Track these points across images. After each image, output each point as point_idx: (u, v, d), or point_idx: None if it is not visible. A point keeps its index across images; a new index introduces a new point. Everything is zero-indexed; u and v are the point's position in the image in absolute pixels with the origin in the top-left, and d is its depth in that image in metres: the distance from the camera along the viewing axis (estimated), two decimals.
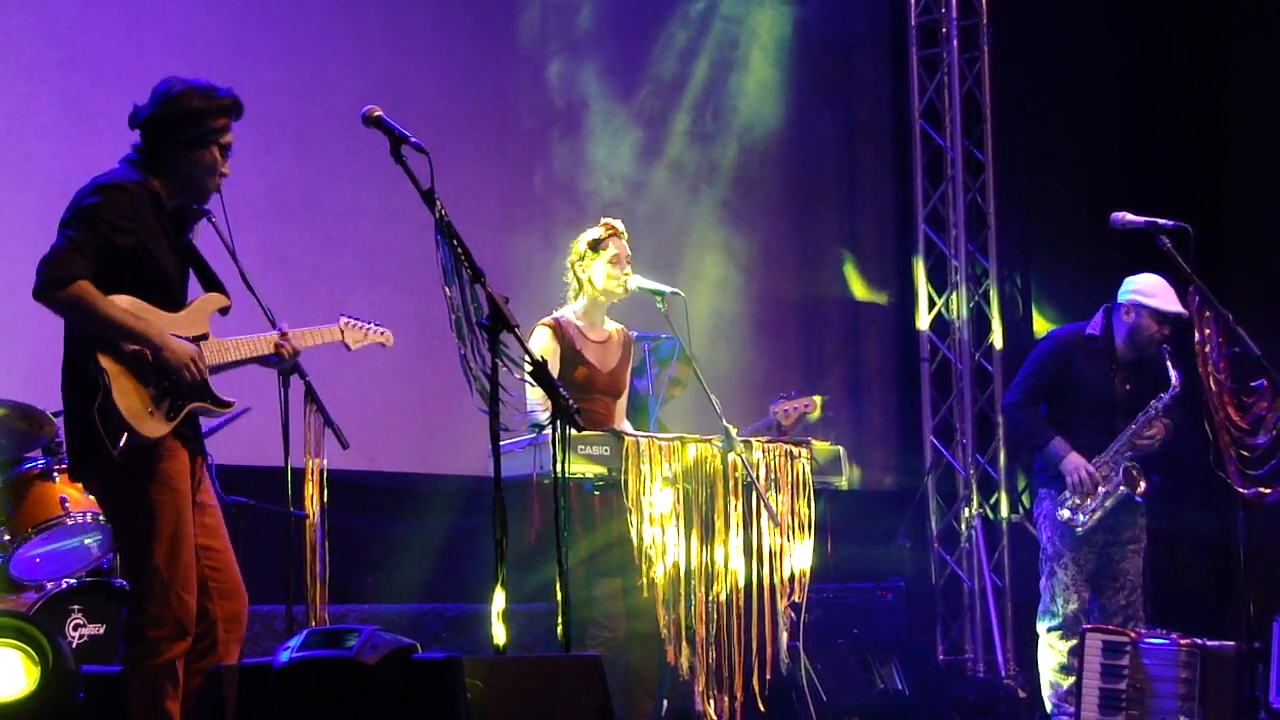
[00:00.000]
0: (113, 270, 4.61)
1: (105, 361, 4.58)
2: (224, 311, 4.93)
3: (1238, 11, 10.96)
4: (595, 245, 6.08)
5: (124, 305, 4.61)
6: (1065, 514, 6.88)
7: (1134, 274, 7.06)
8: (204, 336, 4.83)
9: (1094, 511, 6.85)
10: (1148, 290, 6.90)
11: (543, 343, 5.98)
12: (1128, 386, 7.01)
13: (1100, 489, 6.85)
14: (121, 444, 4.56)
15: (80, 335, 4.65)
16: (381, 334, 5.48)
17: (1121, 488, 6.84)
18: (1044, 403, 7.16)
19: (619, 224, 6.13)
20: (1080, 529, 6.86)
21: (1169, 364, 6.83)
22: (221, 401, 4.86)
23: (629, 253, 6.10)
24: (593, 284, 6.07)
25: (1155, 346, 6.89)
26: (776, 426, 7.05)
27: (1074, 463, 6.88)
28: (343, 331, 5.33)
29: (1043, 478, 7.04)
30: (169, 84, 4.78)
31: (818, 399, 7.22)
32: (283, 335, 5.01)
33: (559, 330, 6.04)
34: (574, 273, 6.13)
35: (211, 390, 4.82)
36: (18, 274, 7.09)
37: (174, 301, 4.78)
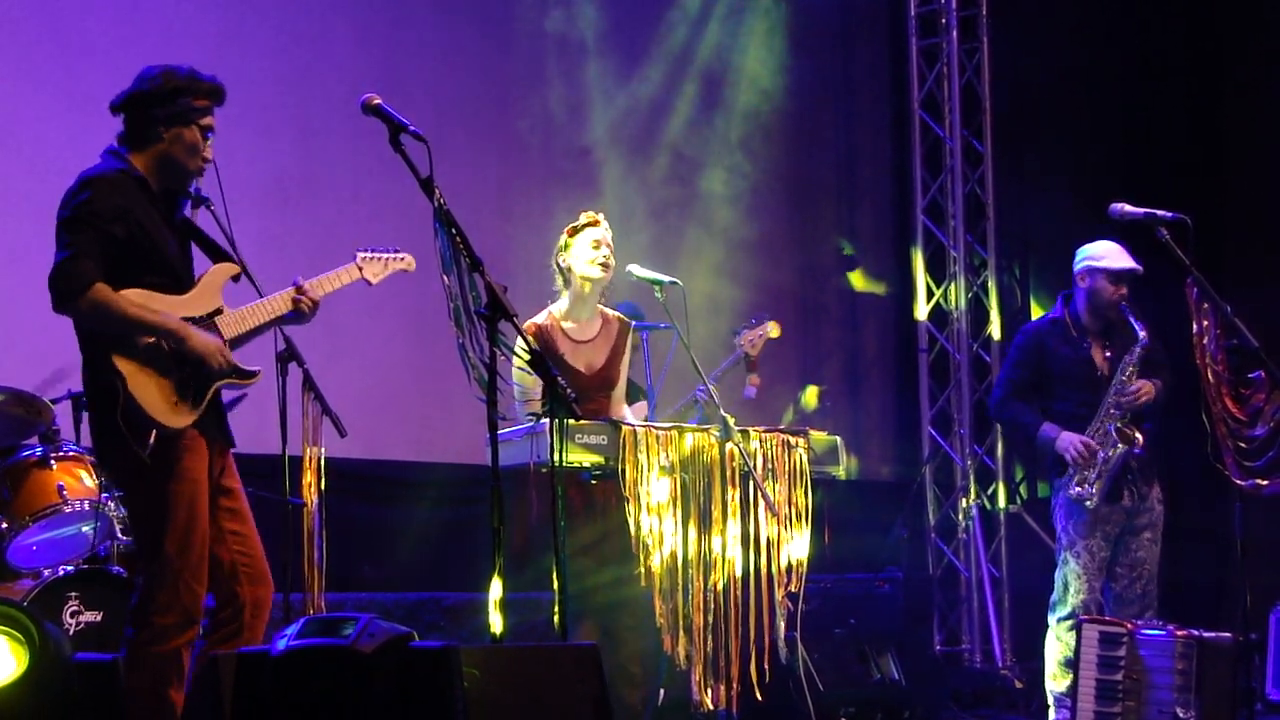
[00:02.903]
0: (116, 261, 4.61)
1: (120, 362, 4.57)
2: (236, 279, 4.91)
3: (1236, 3, 10.95)
4: (574, 231, 6.07)
5: (137, 300, 4.61)
6: (1075, 491, 6.88)
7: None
8: (219, 311, 4.81)
9: (1098, 480, 6.84)
10: (1098, 254, 6.99)
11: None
12: (1108, 354, 7.04)
13: (1099, 455, 6.86)
14: (152, 442, 4.56)
15: (92, 337, 4.64)
16: (402, 259, 5.26)
17: (1119, 446, 6.84)
18: (1034, 396, 7.17)
19: (599, 215, 6.12)
20: (1091, 502, 6.84)
21: (1131, 319, 6.88)
22: (245, 372, 4.83)
23: (610, 240, 6.09)
24: (574, 272, 6.05)
25: (1114, 309, 6.95)
26: (745, 358, 7.02)
27: (1067, 439, 6.90)
28: (360, 268, 5.15)
29: (1057, 469, 7.03)
30: (150, 68, 4.82)
31: (775, 323, 7.20)
32: (298, 289, 4.96)
33: (541, 337, 5.99)
34: (557, 264, 6.12)
35: (235, 363, 4.80)
36: (14, 260, 7.13)
37: (180, 282, 4.77)
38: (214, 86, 4.84)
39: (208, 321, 4.77)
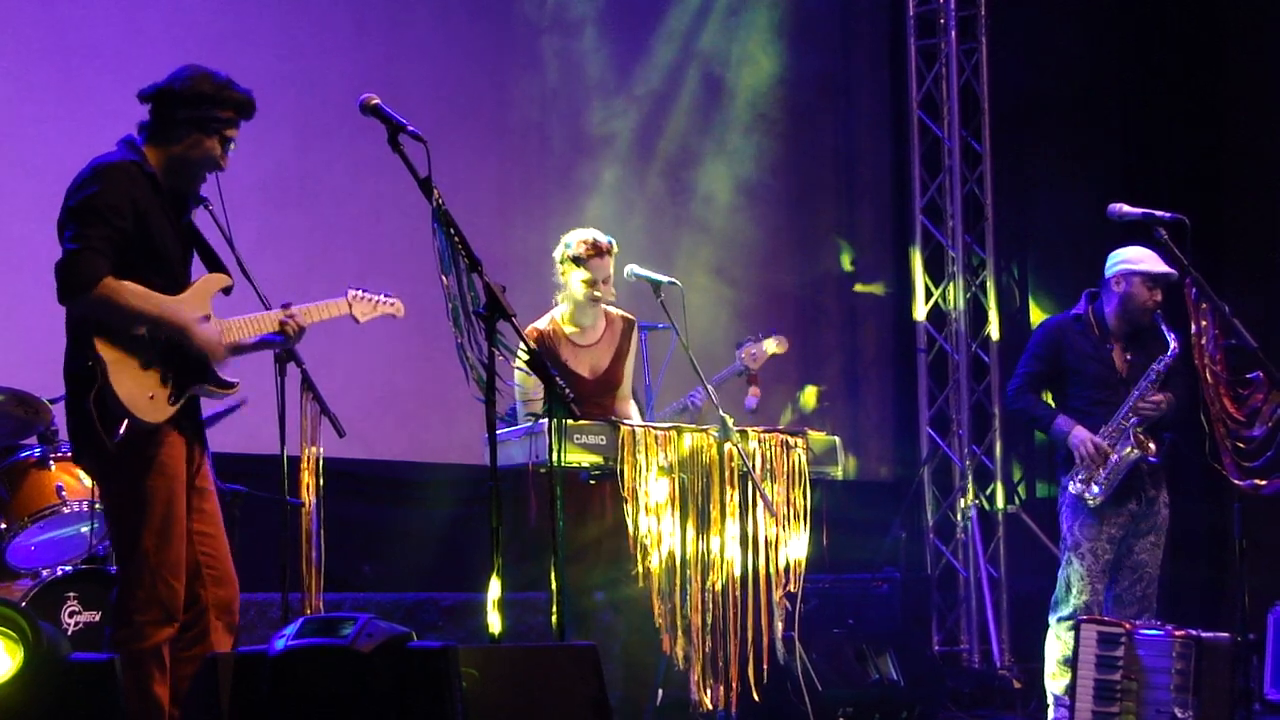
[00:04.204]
0: (119, 254, 4.61)
1: (103, 349, 4.57)
2: (227, 291, 4.91)
3: (1235, 3, 10.95)
4: (576, 260, 6.05)
5: (140, 291, 4.61)
6: (1078, 487, 6.86)
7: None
8: (206, 318, 4.82)
9: (1107, 481, 6.82)
10: (1135, 258, 6.92)
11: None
12: (1129, 357, 7.01)
13: (1111, 458, 6.83)
14: (121, 431, 4.56)
15: (79, 322, 4.64)
16: (391, 304, 5.34)
17: (1134, 451, 6.81)
18: (1049, 389, 7.16)
19: (605, 240, 6.08)
20: (1094, 500, 6.82)
21: (1164, 328, 6.84)
22: (224, 383, 4.83)
23: (610, 272, 6.07)
24: (570, 292, 6.08)
25: (1149, 315, 6.90)
26: (745, 370, 7.02)
27: (1079, 436, 6.87)
28: (350, 304, 5.22)
29: (1066, 467, 7.01)
30: (189, 67, 4.80)
31: (782, 338, 7.19)
32: (286, 311, 4.96)
33: (543, 343, 6.00)
34: (559, 272, 6.12)
35: (214, 372, 4.81)
36: (13, 259, 7.13)
37: (175, 283, 4.77)
38: (244, 99, 4.81)
39: None
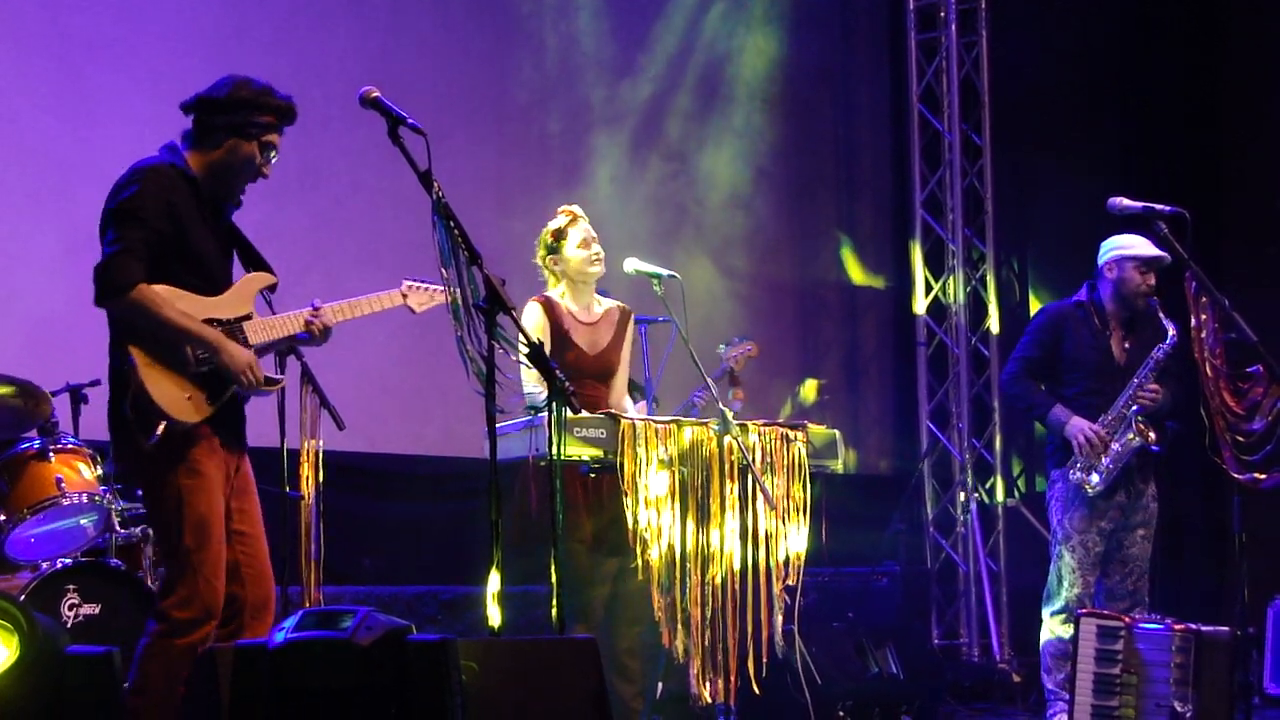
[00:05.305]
0: (154, 256, 4.63)
1: (136, 351, 4.58)
2: (271, 289, 4.93)
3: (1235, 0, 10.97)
4: (559, 234, 6.10)
5: (172, 299, 4.61)
6: (1078, 476, 6.84)
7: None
8: (248, 316, 4.82)
9: (1108, 469, 6.81)
10: (1124, 244, 6.94)
11: (535, 320, 6.00)
12: (1127, 345, 7.00)
13: (1113, 445, 6.82)
14: (159, 433, 4.56)
15: (116, 324, 4.66)
16: (444, 294, 5.34)
17: (1135, 439, 6.80)
18: (1045, 378, 7.15)
19: (576, 208, 6.17)
20: (1093, 489, 6.80)
21: (1161, 315, 6.83)
22: (270, 379, 4.84)
23: (594, 233, 6.13)
24: (568, 271, 6.10)
25: (1144, 299, 6.89)
26: (730, 373, 7.17)
27: (1077, 426, 6.85)
28: (405, 295, 5.18)
29: (1055, 459, 7.00)
30: (229, 76, 4.84)
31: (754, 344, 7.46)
32: (314, 311, 4.97)
33: (550, 308, 6.06)
34: (546, 267, 6.15)
35: (263, 378, 4.80)
36: (12, 255, 7.13)
37: (213, 284, 4.78)
38: (284, 105, 4.84)
39: (235, 326, 4.78)
